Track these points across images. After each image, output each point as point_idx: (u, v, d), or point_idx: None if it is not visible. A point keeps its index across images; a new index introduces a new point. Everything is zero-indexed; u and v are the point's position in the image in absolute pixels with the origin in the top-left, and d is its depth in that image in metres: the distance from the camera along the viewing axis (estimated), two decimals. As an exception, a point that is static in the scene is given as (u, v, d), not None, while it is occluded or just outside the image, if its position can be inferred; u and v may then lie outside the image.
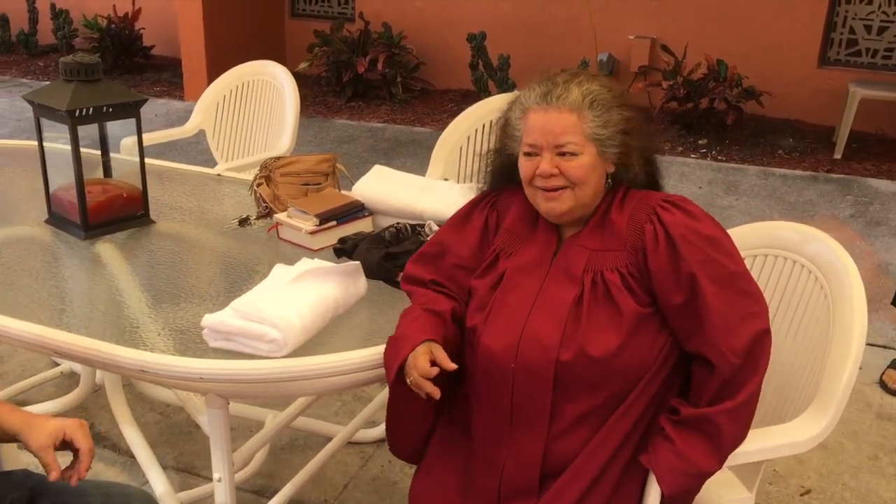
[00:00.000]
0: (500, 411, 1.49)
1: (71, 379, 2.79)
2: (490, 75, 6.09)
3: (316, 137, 5.70)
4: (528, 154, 1.52)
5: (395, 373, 1.48)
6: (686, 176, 4.96)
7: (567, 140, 1.48)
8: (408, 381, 1.47)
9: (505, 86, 5.94)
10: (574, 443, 1.47)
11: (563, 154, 1.49)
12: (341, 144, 5.58)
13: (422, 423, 1.62)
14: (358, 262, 1.79)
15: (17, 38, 7.84)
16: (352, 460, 2.48)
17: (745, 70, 5.58)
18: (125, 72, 7.26)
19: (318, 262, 1.77)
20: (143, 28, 7.43)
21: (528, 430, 1.47)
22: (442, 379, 1.48)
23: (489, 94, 5.97)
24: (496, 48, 6.08)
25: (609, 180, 1.54)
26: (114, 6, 7.32)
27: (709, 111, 5.59)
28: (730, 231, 1.70)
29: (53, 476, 1.32)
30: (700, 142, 5.54)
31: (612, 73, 6.24)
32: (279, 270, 1.75)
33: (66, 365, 2.78)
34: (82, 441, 1.36)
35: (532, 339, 1.46)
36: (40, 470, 1.36)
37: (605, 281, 1.48)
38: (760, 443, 1.49)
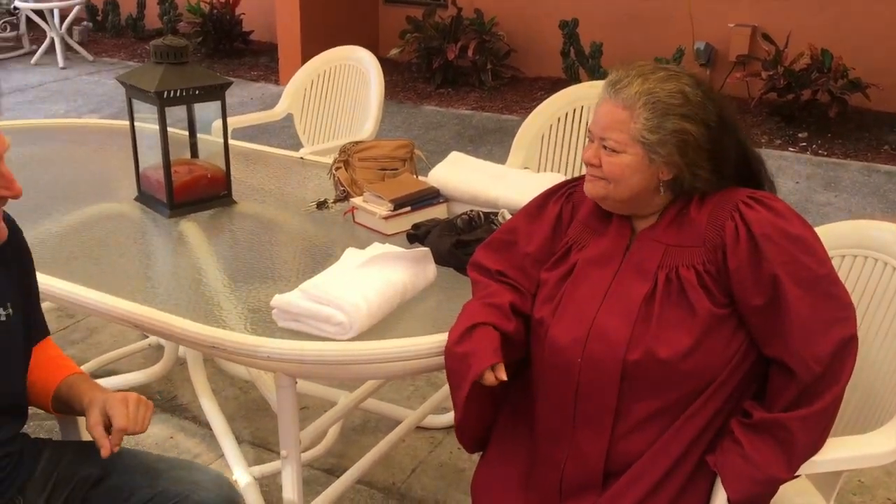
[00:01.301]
0: (563, 406, 1.47)
1: (158, 351, 2.90)
2: (581, 63, 5.99)
3: (404, 123, 5.74)
4: (588, 137, 1.51)
5: (467, 392, 1.47)
6: (783, 170, 4.77)
7: (609, 135, 1.44)
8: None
9: (596, 74, 5.83)
10: (640, 443, 1.43)
11: (605, 148, 1.45)
12: (429, 131, 5.60)
13: (485, 415, 1.61)
14: (428, 249, 1.79)
15: (126, 23, 8.17)
16: (421, 445, 2.49)
17: (851, 61, 5.31)
18: (224, 56, 7.46)
19: (388, 247, 1.78)
20: (243, 13, 7.61)
21: (591, 426, 1.45)
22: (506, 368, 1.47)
23: (580, 83, 5.88)
24: (589, 35, 5.98)
25: (661, 188, 1.46)
26: (216, -8, 7.54)
27: (811, 103, 5.35)
28: (817, 229, 1.62)
29: (103, 452, 1.36)
30: (800, 135, 5.31)
31: (709, 63, 6.05)
32: (350, 254, 1.76)
33: (154, 337, 2.89)
34: (116, 418, 1.38)
35: (600, 335, 1.43)
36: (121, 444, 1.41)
37: (679, 278, 1.43)
38: (836, 452, 1.42)
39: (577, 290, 1.49)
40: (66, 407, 1.50)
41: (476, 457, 1.65)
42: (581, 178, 1.63)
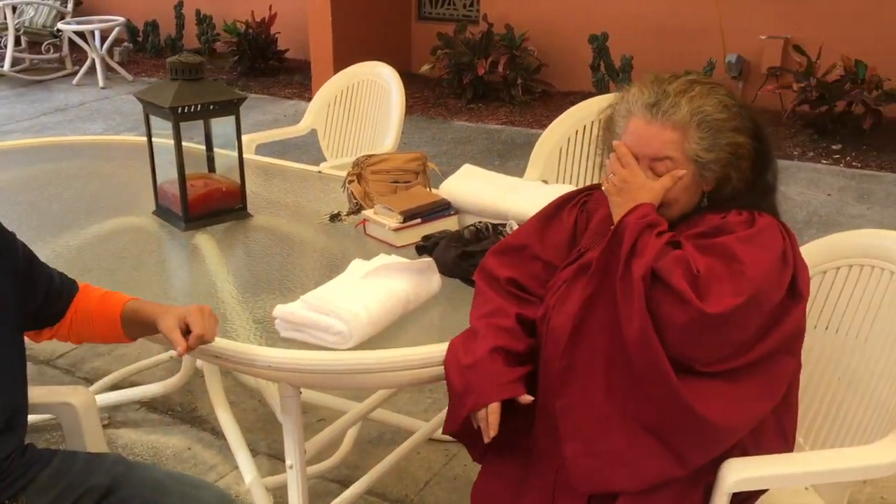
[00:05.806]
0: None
1: (180, 363, 2.94)
2: (612, 77, 5.98)
3: (434, 139, 5.77)
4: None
5: (459, 425, 1.48)
6: (815, 182, 4.69)
7: (663, 155, 1.43)
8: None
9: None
10: None
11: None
12: (458, 146, 5.62)
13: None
14: (431, 259, 1.81)
15: (166, 43, 8.36)
16: (436, 457, 2.49)
17: (886, 72, 5.21)
18: (260, 74, 7.58)
19: (393, 258, 1.79)
20: (279, 32, 7.74)
21: None
22: None
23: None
24: (620, 49, 5.96)
25: (704, 200, 1.48)
26: (252, 11, 7.67)
27: (844, 115, 5.26)
28: (828, 238, 1.63)
29: (179, 350, 1.44)
30: (833, 147, 5.22)
31: (741, 76, 5.98)
32: (355, 265, 1.78)
33: (177, 350, 2.93)
34: (195, 324, 1.47)
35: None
36: (134, 457, 1.43)
37: None
38: (839, 463, 1.39)
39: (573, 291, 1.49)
40: (137, 330, 1.58)
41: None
42: (594, 188, 1.63)
